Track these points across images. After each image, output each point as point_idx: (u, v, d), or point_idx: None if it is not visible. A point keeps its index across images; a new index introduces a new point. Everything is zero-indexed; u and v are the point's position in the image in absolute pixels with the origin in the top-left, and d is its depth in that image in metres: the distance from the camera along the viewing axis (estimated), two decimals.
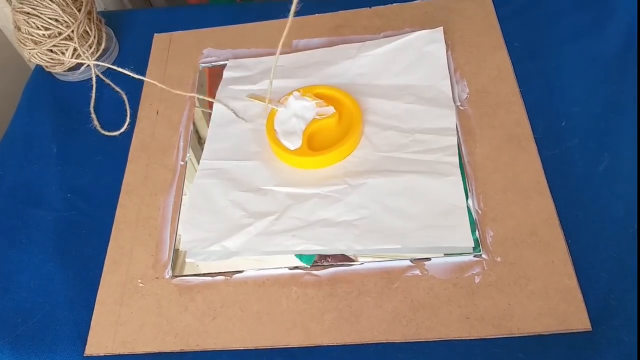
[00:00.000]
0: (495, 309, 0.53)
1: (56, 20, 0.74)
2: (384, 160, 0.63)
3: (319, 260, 0.58)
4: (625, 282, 0.52)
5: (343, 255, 0.58)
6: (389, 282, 0.56)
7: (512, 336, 0.51)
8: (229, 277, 0.59)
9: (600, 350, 0.49)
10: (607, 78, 0.65)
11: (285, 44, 0.78)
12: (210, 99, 0.74)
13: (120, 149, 0.72)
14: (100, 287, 0.61)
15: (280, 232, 0.60)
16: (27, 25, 0.74)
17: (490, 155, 0.62)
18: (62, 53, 0.77)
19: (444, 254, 0.56)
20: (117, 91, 0.77)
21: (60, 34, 0.75)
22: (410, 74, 0.70)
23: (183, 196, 0.66)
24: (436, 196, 0.59)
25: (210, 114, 0.73)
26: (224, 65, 0.78)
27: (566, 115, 0.63)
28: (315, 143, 0.66)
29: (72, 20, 0.75)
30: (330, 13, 0.80)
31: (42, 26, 0.74)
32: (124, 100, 0.76)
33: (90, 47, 0.78)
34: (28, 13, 0.74)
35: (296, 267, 0.58)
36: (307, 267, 0.58)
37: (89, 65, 0.77)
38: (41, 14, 0.74)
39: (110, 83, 0.76)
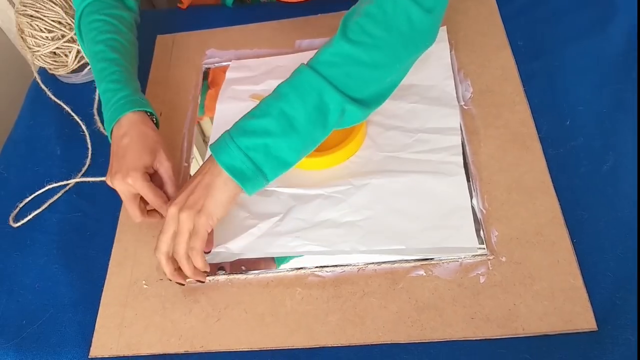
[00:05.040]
0: (501, 309, 0.52)
1: (59, 22, 0.75)
2: (387, 160, 0.63)
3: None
4: (630, 281, 0.52)
5: None
6: (394, 282, 0.56)
7: (517, 336, 0.51)
8: (233, 277, 0.59)
9: (606, 350, 0.49)
10: (611, 77, 0.64)
11: (288, 44, 0.78)
12: None
13: None
14: (104, 288, 0.61)
15: (284, 233, 0.60)
16: (31, 27, 0.74)
17: (495, 155, 0.61)
18: (66, 55, 0.77)
19: (449, 254, 0.56)
20: None
21: (63, 36, 0.75)
22: (414, 73, 0.70)
23: None
24: (440, 196, 0.59)
25: None
26: (226, 66, 0.78)
27: (571, 114, 0.63)
28: None
29: None
30: (333, 13, 0.80)
31: (45, 29, 0.74)
32: None
33: None
34: (31, 16, 0.74)
35: (300, 268, 0.58)
36: (311, 268, 0.58)
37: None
38: (44, 16, 0.74)
39: None
